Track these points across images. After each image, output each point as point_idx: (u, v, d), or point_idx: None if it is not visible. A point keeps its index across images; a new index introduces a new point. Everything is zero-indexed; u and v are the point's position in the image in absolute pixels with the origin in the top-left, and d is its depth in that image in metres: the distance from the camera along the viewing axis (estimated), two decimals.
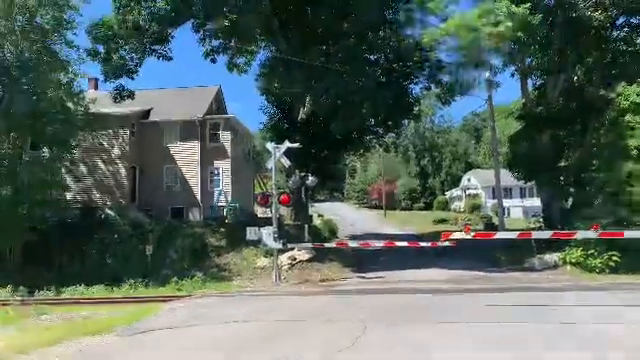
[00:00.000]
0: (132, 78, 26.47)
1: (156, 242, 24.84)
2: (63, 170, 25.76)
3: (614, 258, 19.29)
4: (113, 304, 16.59)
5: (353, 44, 25.57)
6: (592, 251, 19.75)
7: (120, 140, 29.71)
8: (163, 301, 15.82)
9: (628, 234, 13.92)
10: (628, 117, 21.55)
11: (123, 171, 29.53)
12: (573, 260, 20.42)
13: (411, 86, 29.78)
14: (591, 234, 14.26)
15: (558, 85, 26.20)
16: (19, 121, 22.90)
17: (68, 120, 24.63)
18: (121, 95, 26.86)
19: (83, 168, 29.12)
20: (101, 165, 29.49)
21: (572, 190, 25.70)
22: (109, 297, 18.81)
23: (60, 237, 24.26)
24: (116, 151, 29.65)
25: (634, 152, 20.82)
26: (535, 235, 15.80)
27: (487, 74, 26.34)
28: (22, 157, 24.26)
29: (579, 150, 26.14)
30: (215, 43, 26.93)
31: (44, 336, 10.30)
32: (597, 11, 23.17)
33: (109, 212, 28.26)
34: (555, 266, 21.22)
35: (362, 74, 25.03)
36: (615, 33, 26.12)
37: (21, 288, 20.72)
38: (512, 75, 28.61)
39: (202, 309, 13.59)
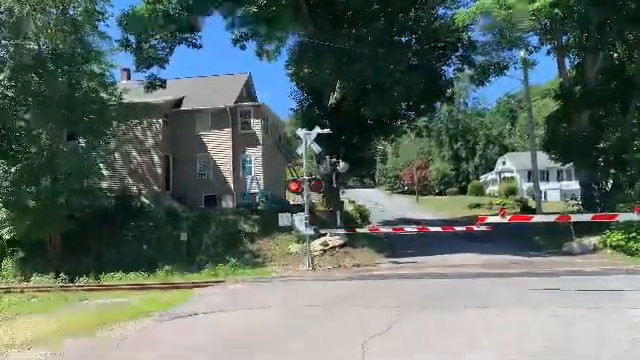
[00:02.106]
0: (163, 67, 26.77)
1: (190, 229, 25.24)
2: (99, 160, 26.30)
3: None
4: (150, 290, 16.89)
5: (383, 26, 25.16)
6: (634, 234, 19.06)
7: (153, 129, 30.13)
8: (199, 287, 16.03)
9: None
10: None
11: (157, 160, 29.96)
12: (614, 243, 19.79)
13: (444, 68, 29.28)
14: (634, 216, 13.79)
15: (597, 63, 25.28)
16: (55, 112, 23.41)
17: (102, 110, 25.09)
18: (153, 85, 27.16)
19: (118, 157, 29.67)
20: (135, 154, 30.00)
21: (612, 171, 24.87)
22: (146, 283, 19.16)
23: (97, 225, 24.84)
24: (149, 140, 30.10)
25: None
26: (574, 218, 15.26)
27: (522, 53, 25.55)
28: (60, 147, 24.84)
29: (619, 130, 25.24)
30: (244, 30, 26.92)
31: (87, 321, 10.55)
32: None
33: (144, 200, 28.78)
34: (595, 249, 20.64)
35: (393, 57, 24.63)
36: None
37: (61, 275, 21.40)
38: (548, 53, 27.80)
39: (237, 294, 13.71)
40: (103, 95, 25.74)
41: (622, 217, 15.13)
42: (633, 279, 12.83)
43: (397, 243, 25.82)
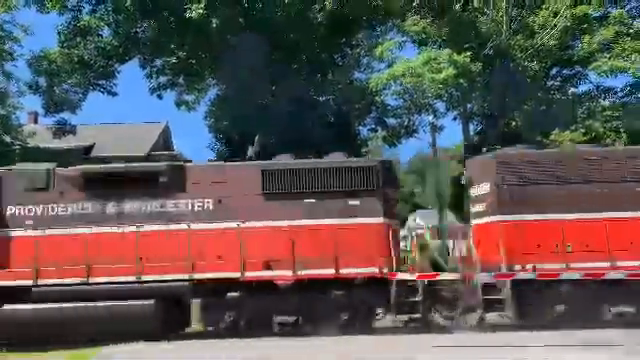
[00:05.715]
0: (74, 113, 25.82)
1: None
2: None
3: None
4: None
5: (302, 85, 25.94)
6: None
7: None
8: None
9: None
10: None
11: None
12: None
13: (359, 128, 30.36)
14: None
15: (498, 130, 27.31)
16: None
17: (4, 155, 23.56)
18: (62, 130, 26.06)
19: None
20: None
21: None
22: None
23: None
24: None
25: None
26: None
27: (431, 118, 27.22)
28: None
29: None
30: (162, 79, 26.73)
31: None
32: (533, 61, 24.56)
33: None
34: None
35: (311, 115, 25.32)
36: (550, 82, 27.72)
37: None
38: (454, 119, 29.65)
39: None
40: (6, 138, 24.32)
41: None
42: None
43: None
